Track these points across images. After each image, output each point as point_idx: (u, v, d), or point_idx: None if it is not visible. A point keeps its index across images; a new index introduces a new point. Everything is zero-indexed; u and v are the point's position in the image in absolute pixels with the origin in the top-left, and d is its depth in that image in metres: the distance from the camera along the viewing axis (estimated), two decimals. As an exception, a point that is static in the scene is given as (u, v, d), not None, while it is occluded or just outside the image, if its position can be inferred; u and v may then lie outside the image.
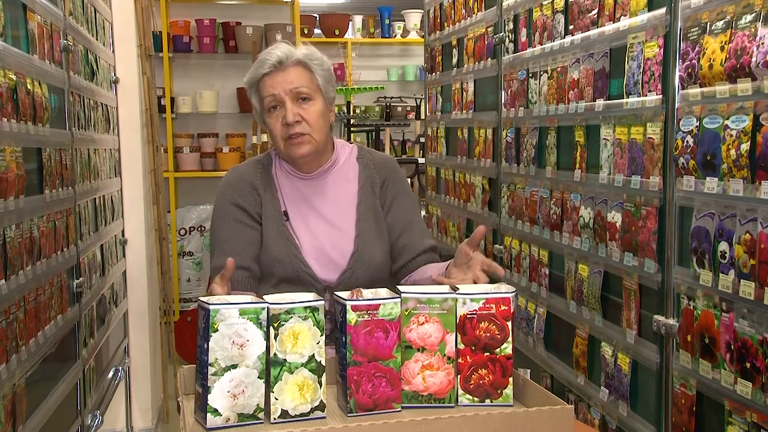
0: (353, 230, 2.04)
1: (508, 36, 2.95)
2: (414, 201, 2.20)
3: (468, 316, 1.53)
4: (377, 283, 1.88)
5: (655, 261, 1.94)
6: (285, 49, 1.98)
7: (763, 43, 1.54)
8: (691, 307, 1.80)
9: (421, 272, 2.02)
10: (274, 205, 2.05)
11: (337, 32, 6.50)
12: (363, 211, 2.07)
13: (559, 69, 2.49)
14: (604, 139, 2.19)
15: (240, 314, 1.44)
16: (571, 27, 2.41)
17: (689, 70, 1.79)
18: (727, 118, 1.65)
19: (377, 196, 2.09)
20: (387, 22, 6.87)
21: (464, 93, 3.50)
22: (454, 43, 3.66)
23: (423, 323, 1.53)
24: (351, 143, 2.19)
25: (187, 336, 4.75)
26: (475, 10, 3.33)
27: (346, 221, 2.05)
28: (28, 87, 2.07)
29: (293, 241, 2.02)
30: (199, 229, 5.72)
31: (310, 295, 1.52)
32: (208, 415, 1.42)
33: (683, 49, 1.82)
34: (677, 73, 1.85)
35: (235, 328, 1.43)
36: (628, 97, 2.07)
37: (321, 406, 1.48)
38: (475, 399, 1.54)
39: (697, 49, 1.76)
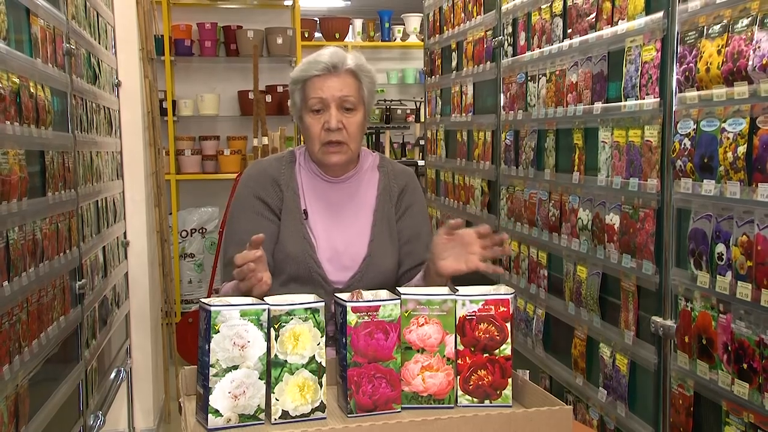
0: (368, 235, 2.06)
1: (507, 39, 2.96)
2: (426, 214, 2.21)
3: (467, 317, 1.55)
4: (385, 288, 1.89)
5: (653, 263, 1.95)
6: (339, 54, 2.00)
7: (759, 47, 1.55)
8: (689, 309, 1.81)
9: (413, 282, 2.03)
10: (294, 203, 2.06)
11: (337, 36, 6.51)
12: (379, 217, 2.09)
13: (557, 72, 2.50)
14: (603, 141, 2.20)
15: (241, 315, 1.45)
16: (569, 31, 2.43)
17: (686, 73, 1.80)
18: (724, 121, 1.66)
19: (393, 204, 2.11)
20: (387, 25, 6.87)
21: (463, 96, 3.51)
22: (454, 46, 3.67)
23: (423, 324, 1.54)
24: (373, 152, 2.21)
25: (189, 337, 4.76)
26: (475, 14, 3.34)
27: (362, 225, 2.07)
28: (31, 90, 2.08)
29: (309, 240, 2.02)
30: (201, 231, 5.73)
31: (311, 297, 1.54)
32: (210, 415, 1.44)
33: (680, 53, 1.84)
34: (675, 77, 1.86)
35: (236, 329, 1.44)
36: (626, 100, 2.08)
37: (321, 407, 1.49)
38: (475, 400, 1.55)
39: (694, 52, 1.77)
